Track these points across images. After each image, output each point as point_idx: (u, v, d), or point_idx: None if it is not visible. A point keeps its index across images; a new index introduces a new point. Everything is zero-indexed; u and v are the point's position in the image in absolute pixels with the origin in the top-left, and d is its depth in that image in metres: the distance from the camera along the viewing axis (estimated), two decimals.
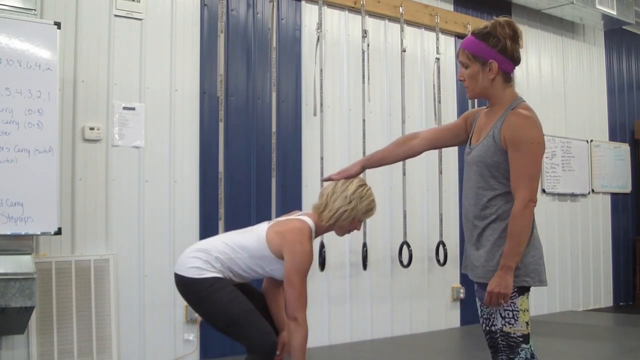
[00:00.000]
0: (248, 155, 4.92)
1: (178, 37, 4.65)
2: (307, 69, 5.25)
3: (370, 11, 5.57)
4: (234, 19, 4.94)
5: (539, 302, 6.69)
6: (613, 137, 7.91)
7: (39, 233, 3.66)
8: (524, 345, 2.29)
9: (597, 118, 7.74)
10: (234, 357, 4.52)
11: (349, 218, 2.88)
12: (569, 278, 7.20)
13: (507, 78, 2.37)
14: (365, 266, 5.34)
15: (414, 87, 5.91)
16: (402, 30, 5.73)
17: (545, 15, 7.08)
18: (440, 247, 5.80)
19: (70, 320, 4.03)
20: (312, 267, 5.01)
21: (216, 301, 2.73)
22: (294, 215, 2.97)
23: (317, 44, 5.20)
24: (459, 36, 6.22)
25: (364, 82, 5.43)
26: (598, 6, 6.78)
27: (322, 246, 5.01)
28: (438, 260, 5.80)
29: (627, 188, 8.00)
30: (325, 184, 2.98)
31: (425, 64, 6.04)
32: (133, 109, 4.42)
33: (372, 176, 4.22)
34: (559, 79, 7.32)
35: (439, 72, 5.94)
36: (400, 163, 5.62)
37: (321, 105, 5.16)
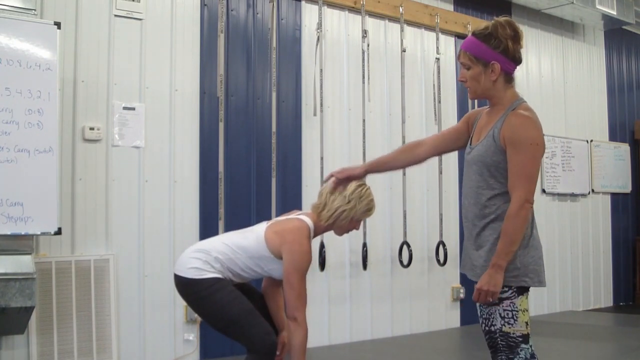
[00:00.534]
0: (248, 155, 4.92)
1: (178, 37, 4.65)
2: (307, 69, 5.25)
3: (370, 11, 5.58)
4: (234, 19, 4.94)
5: (539, 302, 6.69)
6: (613, 137, 7.91)
7: (39, 233, 3.66)
8: (523, 345, 2.29)
9: (597, 118, 7.74)
10: (233, 357, 4.52)
11: (348, 218, 2.88)
12: (569, 278, 7.20)
13: (509, 78, 2.37)
14: (365, 266, 5.34)
15: (414, 87, 5.91)
16: (402, 30, 5.73)
17: (545, 15, 7.08)
18: (440, 247, 5.80)
19: (70, 320, 4.03)
20: (312, 267, 5.01)
21: (216, 301, 2.73)
22: (292, 215, 2.97)
23: (317, 44, 5.20)
24: (459, 36, 6.22)
25: (364, 82, 5.43)
26: (598, 6, 6.78)
27: (322, 246, 5.01)
28: (438, 260, 5.80)
29: (627, 188, 8.00)
30: (325, 183, 2.98)
31: (425, 64, 6.04)
32: (133, 109, 4.42)
33: (372, 176, 4.18)
34: (559, 79, 7.32)
35: (439, 72, 5.94)
36: None
37: (321, 105, 5.16)
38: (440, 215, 5.85)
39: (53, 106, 3.67)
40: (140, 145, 4.44)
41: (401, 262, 5.59)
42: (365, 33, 5.46)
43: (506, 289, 2.27)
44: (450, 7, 6.32)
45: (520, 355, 2.29)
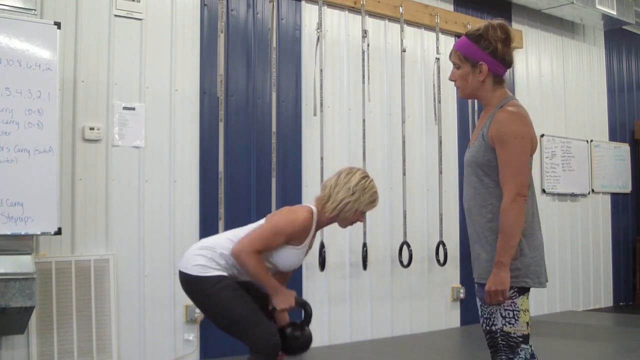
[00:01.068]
0: (248, 155, 4.92)
1: (178, 37, 4.65)
2: (307, 69, 5.25)
3: (370, 11, 5.57)
4: (234, 19, 4.94)
5: (539, 302, 6.69)
6: (613, 137, 7.91)
7: (39, 233, 3.66)
8: (523, 346, 2.30)
9: (597, 118, 7.74)
10: (234, 357, 4.52)
11: (352, 209, 2.88)
12: (569, 278, 7.20)
13: (498, 80, 2.39)
14: (365, 266, 5.34)
15: (414, 87, 5.91)
16: (402, 30, 5.73)
17: (545, 15, 7.08)
18: (440, 247, 5.80)
19: (70, 320, 4.03)
20: (312, 267, 5.05)
21: (220, 300, 2.73)
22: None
23: (317, 44, 5.20)
24: (459, 36, 6.20)
25: (364, 82, 5.43)
26: (598, 6, 6.78)
27: (322, 246, 5.01)
28: (438, 260, 5.80)
29: (627, 188, 7.99)
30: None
31: (425, 64, 6.04)
32: (133, 109, 4.42)
33: (371, 176, 4.20)
34: (559, 79, 7.32)
35: (439, 72, 5.93)
36: (400, 163, 5.63)
37: (321, 105, 5.16)
38: (440, 215, 5.85)
39: (53, 106, 3.67)
40: (140, 145, 4.44)
41: (401, 262, 5.59)
42: (365, 33, 5.46)
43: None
44: (450, 7, 6.32)
45: (521, 355, 2.30)
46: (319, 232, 4.93)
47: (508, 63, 2.37)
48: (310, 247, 2.97)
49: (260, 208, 4.86)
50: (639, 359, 4.84)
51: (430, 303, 5.92)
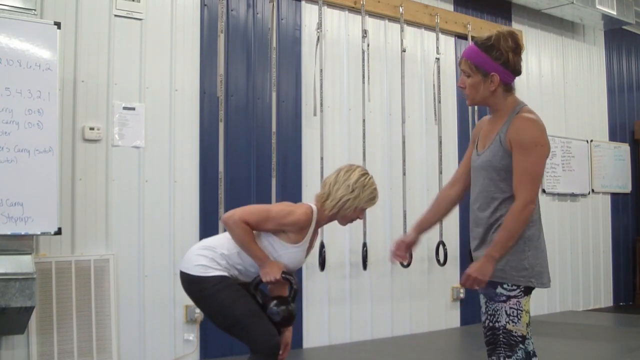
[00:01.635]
0: (248, 155, 4.92)
1: (178, 37, 4.65)
2: (307, 69, 5.25)
3: (370, 11, 5.57)
4: (234, 19, 4.94)
5: (539, 302, 6.69)
6: (613, 137, 7.91)
7: (39, 233, 3.66)
8: (521, 345, 2.34)
9: (597, 118, 7.74)
10: (234, 357, 4.52)
11: (352, 207, 2.88)
12: (569, 278, 7.20)
13: (508, 88, 2.41)
14: (365, 266, 5.34)
15: (414, 87, 5.90)
16: (402, 30, 5.73)
17: (545, 15, 7.08)
18: (440, 247, 5.79)
19: (70, 320, 4.03)
20: (312, 267, 5.05)
21: (221, 300, 2.73)
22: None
23: (317, 44, 5.20)
24: (459, 36, 6.23)
25: (364, 82, 5.43)
26: (598, 6, 6.78)
27: (322, 246, 5.01)
28: (438, 260, 5.80)
29: (627, 188, 8.00)
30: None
31: (425, 64, 6.04)
32: (133, 109, 4.42)
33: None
34: (559, 79, 7.32)
35: (439, 72, 5.93)
36: (400, 163, 5.62)
37: (321, 105, 5.16)
38: None
39: (53, 106, 3.67)
40: (140, 145, 4.44)
41: (401, 262, 5.57)
42: (365, 33, 5.45)
43: (515, 287, 2.32)
44: (450, 7, 6.32)
45: (518, 355, 2.34)
46: (319, 232, 4.95)
47: (518, 72, 2.40)
48: (312, 246, 2.96)
49: None
50: (639, 359, 4.84)
51: (430, 303, 5.92)
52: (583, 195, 7.44)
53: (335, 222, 2.98)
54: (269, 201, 4.85)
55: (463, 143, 6.06)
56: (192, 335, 4.55)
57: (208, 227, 4.57)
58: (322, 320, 5.20)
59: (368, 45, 5.47)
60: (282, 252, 2.81)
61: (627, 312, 7.20)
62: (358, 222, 4.54)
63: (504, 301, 2.32)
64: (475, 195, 2.46)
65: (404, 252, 2.77)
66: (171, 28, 4.63)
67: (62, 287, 4.04)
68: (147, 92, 4.49)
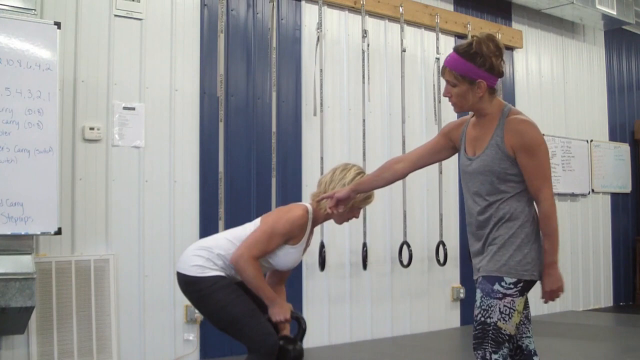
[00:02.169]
0: (248, 155, 4.92)
1: (178, 37, 4.65)
2: (307, 69, 5.25)
3: (370, 11, 5.58)
4: (234, 19, 4.94)
5: (539, 302, 6.65)
6: (613, 137, 7.91)
7: (39, 233, 3.66)
8: (507, 344, 2.38)
9: (597, 118, 7.74)
10: (233, 357, 4.52)
11: (348, 206, 2.88)
12: (569, 278, 7.20)
13: (492, 91, 2.43)
14: (365, 266, 5.34)
15: (414, 87, 5.91)
16: (402, 30, 5.73)
17: (545, 15, 7.08)
18: (440, 247, 5.80)
19: (70, 320, 4.03)
20: (312, 267, 5.05)
21: (218, 300, 2.73)
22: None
23: (317, 44, 5.20)
24: (459, 36, 6.22)
25: (364, 82, 5.43)
26: (598, 6, 6.78)
27: (322, 246, 5.01)
28: (438, 260, 5.80)
29: (627, 188, 8.00)
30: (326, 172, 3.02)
31: (425, 64, 6.04)
32: (133, 109, 4.42)
33: None
34: (559, 79, 7.32)
35: (439, 72, 5.93)
36: None
37: (321, 105, 5.16)
38: (440, 215, 5.85)
39: (53, 106, 3.67)
40: (140, 145, 4.44)
41: (401, 262, 5.59)
42: (365, 33, 5.46)
43: (512, 286, 2.34)
44: (450, 7, 6.32)
45: (503, 351, 2.37)
46: (319, 232, 4.96)
47: (501, 74, 2.42)
48: (307, 245, 2.96)
49: (260, 208, 4.85)
50: (639, 359, 4.84)
51: (430, 303, 5.92)
52: (583, 195, 7.44)
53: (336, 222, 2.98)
54: (268, 201, 4.86)
55: None
56: (192, 335, 4.55)
57: (208, 227, 4.57)
58: (322, 320, 5.20)
59: (368, 45, 5.47)
60: (279, 252, 2.81)
61: (627, 312, 7.20)
62: (358, 222, 4.53)
63: (499, 298, 2.34)
64: (472, 199, 2.48)
65: (333, 204, 2.77)
66: (171, 28, 4.63)
67: (62, 287, 4.04)
68: (147, 92, 4.49)
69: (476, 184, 2.44)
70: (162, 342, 4.44)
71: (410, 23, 5.87)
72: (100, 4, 4.34)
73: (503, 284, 2.34)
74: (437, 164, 5.81)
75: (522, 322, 2.52)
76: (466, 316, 6.06)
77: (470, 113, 2.53)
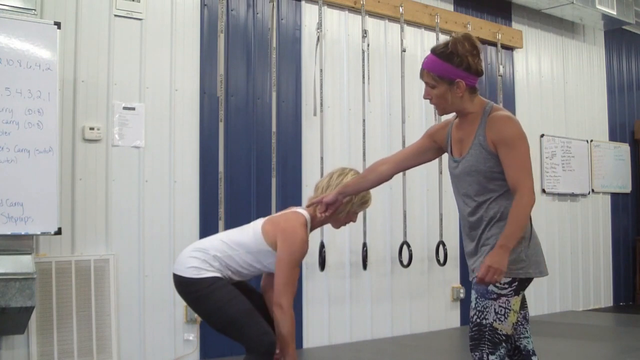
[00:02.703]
0: (248, 155, 4.92)
1: (178, 37, 4.65)
2: (307, 69, 5.25)
3: (370, 11, 5.58)
4: (234, 19, 4.94)
5: (539, 302, 6.69)
6: (613, 137, 7.91)
7: (39, 233, 3.66)
8: (504, 344, 2.37)
9: (597, 118, 7.74)
10: (233, 357, 4.52)
11: (345, 211, 2.90)
12: (569, 278, 7.20)
13: (473, 90, 2.43)
14: (365, 266, 5.34)
15: (414, 87, 5.90)
16: (402, 30, 5.73)
17: (545, 15, 7.08)
18: (440, 247, 5.80)
19: (70, 320, 4.03)
20: (312, 267, 5.04)
21: (215, 301, 2.73)
22: (289, 210, 2.98)
23: (317, 44, 5.20)
24: None
25: (364, 82, 5.43)
26: (598, 6, 6.78)
27: (322, 246, 5.01)
28: (438, 260, 5.80)
29: (627, 188, 8.00)
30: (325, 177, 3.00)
31: None
32: (133, 109, 4.42)
33: None
34: (559, 79, 7.32)
35: None
36: None
37: (321, 105, 5.16)
38: (440, 215, 5.85)
39: (53, 106, 3.67)
40: (140, 145, 4.44)
41: (401, 262, 5.59)
42: (365, 33, 5.46)
43: (506, 285, 2.34)
44: (450, 7, 6.32)
45: (500, 352, 2.36)
46: (319, 232, 4.96)
47: (480, 72, 2.42)
48: None
49: (260, 208, 4.86)
50: (639, 359, 4.84)
51: (430, 303, 5.92)
52: (583, 195, 7.44)
53: None
54: (269, 201, 4.86)
55: None
56: (192, 335, 4.55)
57: (208, 227, 4.57)
58: (322, 320, 5.20)
59: (368, 45, 5.47)
60: (272, 260, 2.81)
61: (627, 312, 7.20)
62: (358, 222, 4.53)
63: (494, 299, 2.34)
64: (462, 200, 2.49)
65: (323, 209, 2.81)
66: (171, 28, 4.63)
67: (62, 287, 4.04)
68: (147, 92, 4.49)
69: (464, 185, 2.45)
70: (162, 342, 4.44)
71: (410, 23, 5.87)
72: (100, 4, 4.34)
73: (497, 284, 2.33)
74: (437, 164, 5.82)
75: (520, 322, 2.51)
76: (466, 316, 6.06)
77: (454, 114, 2.54)
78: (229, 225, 4.45)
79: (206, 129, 4.72)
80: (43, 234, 3.68)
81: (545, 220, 6.80)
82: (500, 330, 2.34)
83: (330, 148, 5.27)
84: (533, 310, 6.26)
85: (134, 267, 4.37)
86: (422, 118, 5.96)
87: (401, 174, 5.58)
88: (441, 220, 5.84)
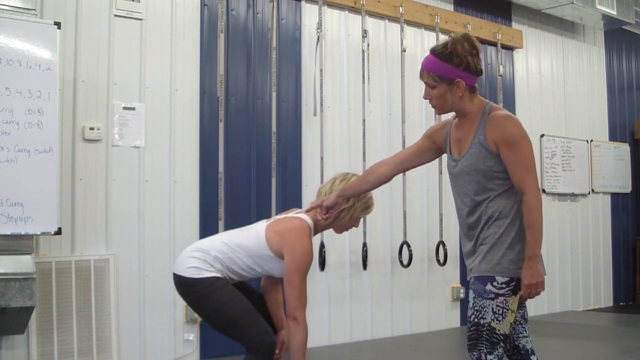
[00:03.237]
0: (248, 155, 4.92)
1: (178, 37, 4.65)
2: (307, 69, 5.25)
3: (370, 11, 5.58)
4: (234, 19, 4.94)
5: (539, 302, 6.69)
6: (613, 137, 7.91)
7: (39, 233, 3.66)
8: (501, 344, 2.37)
9: (597, 118, 7.74)
10: (233, 357, 4.53)
11: (347, 216, 2.90)
12: (569, 278, 7.20)
13: (473, 89, 2.44)
14: (365, 266, 5.34)
15: (414, 87, 5.90)
16: (402, 30, 5.73)
17: (545, 15, 7.08)
18: (440, 247, 5.80)
19: (70, 320, 4.03)
20: (312, 267, 5.00)
21: (215, 301, 2.73)
22: (292, 213, 2.97)
23: (317, 44, 5.20)
24: None
25: (364, 82, 5.43)
26: (598, 6, 6.78)
27: (322, 246, 5.01)
28: (438, 260, 5.80)
29: (627, 188, 8.00)
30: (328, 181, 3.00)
31: None
32: (133, 109, 4.42)
33: None
34: (559, 79, 7.32)
35: None
36: None
37: (321, 105, 5.16)
38: (440, 215, 5.85)
39: (53, 106, 3.67)
40: (140, 145, 4.44)
41: (401, 262, 5.59)
42: (365, 33, 5.46)
43: (504, 285, 2.34)
44: (450, 7, 6.32)
45: (498, 351, 2.36)
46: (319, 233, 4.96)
47: (480, 72, 2.42)
48: None
49: (260, 208, 4.86)
50: (639, 359, 4.84)
51: (430, 303, 5.92)
52: (583, 195, 7.44)
53: None
54: (269, 201, 4.86)
55: None
56: (192, 335, 4.55)
57: (208, 227, 4.57)
58: (322, 320, 5.20)
59: (368, 45, 5.47)
60: (273, 265, 2.81)
61: (627, 312, 7.20)
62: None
63: (492, 298, 2.34)
64: (460, 200, 2.49)
65: (324, 213, 2.81)
66: (171, 28, 4.63)
67: (62, 287, 4.04)
68: (147, 92, 4.50)
69: (463, 185, 2.45)
70: (162, 342, 4.44)
71: (410, 23, 5.87)
72: (100, 4, 4.34)
73: (495, 284, 2.33)
74: (437, 164, 5.82)
75: (518, 322, 2.51)
76: (466, 316, 6.05)
77: (453, 114, 2.54)
78: (229, 225, 4.45)
79: (206, 129, 4.72)
80: (43, 234, 3.68)
81: (545, 220, 6.72)
82: (498, 330, 2.34)
83: (330, 148, 5.27)
84: (533, 310, 6.26)
85: (134, 267, 4.37)
86: (422, 118, 5.96)
87: (401, 174, 5.59)
88: (441, 220, 5.84)
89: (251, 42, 5.00)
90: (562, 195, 7.19)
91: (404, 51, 5.73)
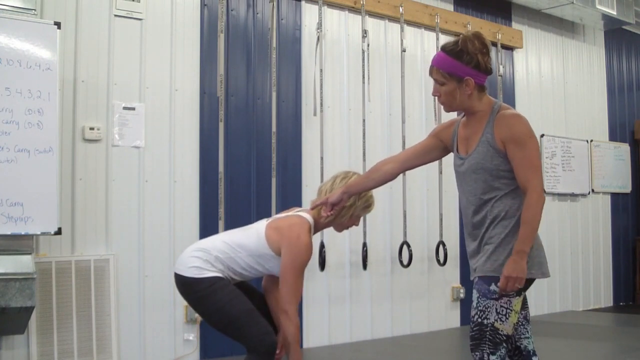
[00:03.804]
0: (248, 155, 4.92)
1: (178, 37, 4.65)
2: (307, 69, 5.25)
3: (370, 11, 5.58)
4: (234, 19, 4.94)
5: (539, 302, 6.69)
6: (613, 137, 7.91)
7: (39, 233, 3.66)
8: (504, 344, 2.37)
9: (597, 118, 7.74)
10: (233, 357, 4.53)
11: (348, 215, 2.90)
12: (569, 278, 7.20)
13: (482, 88, 2.44)
14: (365, 266, 5.34)
15: (414, 87, 5.90)
16: (402, 30, 5.73)
17: (545, 15, 7.08)
18: (440, 247, 5.80)
19: (70, 320, 4.03)
20: (312, 267, 5.04)
21: (216, 301, 2.73)
22: (292, 212, 2.98)
23: (317, 44, 5.20)
24: (459, 36, 6.22)
25: (364, 82, 5.43)
26: (598, 6, 6.78)
27: (322, 246, 5.01)
28: (438, 260, 5.80)
29: (627, 188, 8.00)
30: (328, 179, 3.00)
31: (425, 64, 6.02)
32: (133, 109, 4.42)
33: None
34: (559, 79, 7.32)
35: None
36: None
37: (321, 105, 5.16)
38: (440, 215, 5.85)
39: (53, 106, 3.67)
40: (140, 145, 4.44)
41: (401, 262, 5.59)
42: (365, 33, 5.46)
43: None
44: (450, 7, 6.32)
45: (501, 352, 2.36)
46: (319, 232, 4.95)
47: (489, 71, 2.42)
48: None
49: (260, 208, 4.86)
50: (639, 359, 4.84)
51: (430, 303, 5.92)
52: (583, 195, 7.44)
53: None
54: (269, 201, 4.86)
55: None
56: (192, 335, 4.55)
57: (208, 227, 4.57)
58: (322, 320, 5.20)
59: (368, 45, 5.47)
60: (274, 263, 2.81)
61: (627, 312, 7.20)
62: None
63: (496, 299, 2.34)
64: (466, 198, 2.48)
65: (329, 209, 2.80)
66: (171, 28, 4.63)
67: (62, 287, 4.04)
68: (147, 92, 4.49)
69: (470, 183, 2.44)
70: (162, 342, 4.44)
71: (410, 23, 5.87)
72: (100, 4, 4.34)
73: (499, 284, 2.33)
74: (437, 164, 5.82)
75: (520, 323, 2.51)
76: (466, 316, 6.06)
77: (461, 114, 2.54)
78: (229, 225, 4.45)
79: (206, 129, 4.72)
80: (43, 234, 3.68)
81: (545, 220, 6.71)
82: (501, 331, 2.34)
83: (330, 148, 5.27)
84: (533, 310, 6.25)
85: (134, 267, 4.37)
86: (422, 118, 5.96)
87: (401, 174, 5.59)
88: (441, 220, 5.84)
89: (251, 42, 5.00)
90: (562, 195, 7.19)
91: (404, 51, 5.73)
